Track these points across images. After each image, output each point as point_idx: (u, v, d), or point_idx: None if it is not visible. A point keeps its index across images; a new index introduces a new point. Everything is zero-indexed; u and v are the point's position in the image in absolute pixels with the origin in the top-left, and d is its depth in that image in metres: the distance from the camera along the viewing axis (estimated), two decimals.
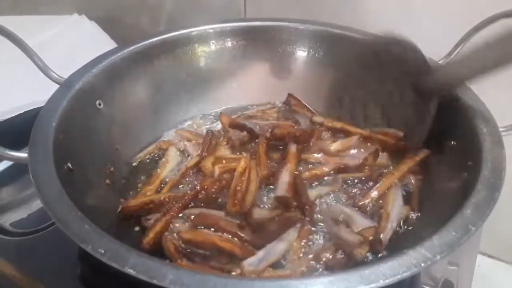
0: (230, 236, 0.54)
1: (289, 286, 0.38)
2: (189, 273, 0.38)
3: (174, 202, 0.58)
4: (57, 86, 0.63)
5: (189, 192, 0.60)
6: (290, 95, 0.79)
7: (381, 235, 0.55)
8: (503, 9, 0.63)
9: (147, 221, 0.58)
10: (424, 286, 0.53)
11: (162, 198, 0.60)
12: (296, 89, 0.81)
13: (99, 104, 0.67)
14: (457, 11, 0.75)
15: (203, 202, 0.60)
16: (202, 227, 0.56)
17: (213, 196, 0.60)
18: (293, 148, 0.64)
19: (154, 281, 0.37)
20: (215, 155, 0.66)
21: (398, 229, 0.57)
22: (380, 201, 0.60)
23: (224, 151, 0.68)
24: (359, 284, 0.37)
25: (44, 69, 0.64)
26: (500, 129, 0.56)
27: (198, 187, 0.60)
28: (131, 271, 0.38)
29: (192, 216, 0.58)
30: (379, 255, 0.53)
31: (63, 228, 0.43)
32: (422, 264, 0.39)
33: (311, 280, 0.38)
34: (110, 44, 0.99)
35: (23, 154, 0.52)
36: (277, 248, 0.52)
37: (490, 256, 0.91)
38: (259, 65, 0.82)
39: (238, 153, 0.68)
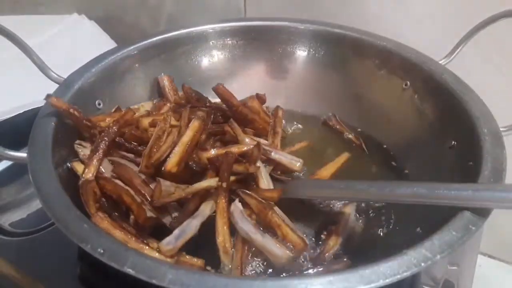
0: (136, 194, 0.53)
1: (289, 286, 0.37)
2: (188, 273, 0.38)
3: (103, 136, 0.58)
4: (57, 86, 0.63)
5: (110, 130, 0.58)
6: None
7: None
8: (503, 9, 0.63)
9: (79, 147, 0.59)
10: (424, 287, 0.53)
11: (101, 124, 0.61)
12: (296, 89, 0.81)
13: (99, 104, 0.67)
14: (457, 11, 0.75)
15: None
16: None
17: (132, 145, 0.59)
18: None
19: (153, 281, 0.37)
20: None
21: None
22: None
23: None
24: (359, 284, 0.37)
25: (44, 69, 0.64)
26: (500, 129, 0.56)
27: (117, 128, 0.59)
28: (130, 271, 0.38)
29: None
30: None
31: (62, 228, 0.43)
32: (422, 264, 0.39)
33: (311, 280, 0.38)
34: (110, 44, 0.99)
35: (22, 154, 0.52)
36: (191, 225, 0.50)
37: (490, 256, 0.91)
38: (259, 65, 0.82)
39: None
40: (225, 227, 0.52)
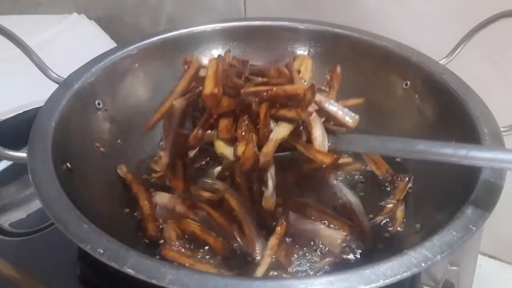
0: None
1: (289, 286, 0.37)
2: (188, 273, 0.38)
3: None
4: (56, 86, 0.63)
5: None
6: None
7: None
8: (503, 9, 0.63)
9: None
10: (424, 287, 0.53)
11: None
12: None
13: (99, 104, 0.66)
14: (457, 11, 0.75)
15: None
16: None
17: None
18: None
19: (153, 281, 0.37)
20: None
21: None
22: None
23: None
24: (359, 284, 0.37)
25: (43, 69, 0.64)
26: (501, 129, 0.56)
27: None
28: (130, 271, 0.38)
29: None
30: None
31: (62, 228, 0.43)
32: (423, 264, 0.39)
33: (311, 280, 0.38)
34: (110, 44, 0.99)
35: (22, 154, 0.52)
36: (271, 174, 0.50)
37: (491, 257, 0.91)
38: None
39: None
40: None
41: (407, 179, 0.65)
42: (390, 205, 0.62)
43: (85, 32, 1.04)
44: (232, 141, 0.50)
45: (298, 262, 0.55)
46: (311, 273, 0.53)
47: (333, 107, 0.54)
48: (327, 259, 0.54)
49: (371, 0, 0.82)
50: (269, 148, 0.48)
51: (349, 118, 0.55)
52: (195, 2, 0.99)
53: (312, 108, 0.52)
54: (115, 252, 0.40)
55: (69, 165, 0.55)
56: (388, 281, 0.38)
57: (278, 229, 0.55)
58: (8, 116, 0.78)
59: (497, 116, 0.57)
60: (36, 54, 0.64)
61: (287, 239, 0.56)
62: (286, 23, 0.80)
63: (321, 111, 0.54)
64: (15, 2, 1.16)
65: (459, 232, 0.43)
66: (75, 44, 0.99)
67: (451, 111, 0.62)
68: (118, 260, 0.39)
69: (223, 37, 0.80)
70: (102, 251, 0.40)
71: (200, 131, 0.52)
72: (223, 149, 0.50)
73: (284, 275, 0.52)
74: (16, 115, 0.78)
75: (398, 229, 0.59)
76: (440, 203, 0.56)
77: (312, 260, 0.55)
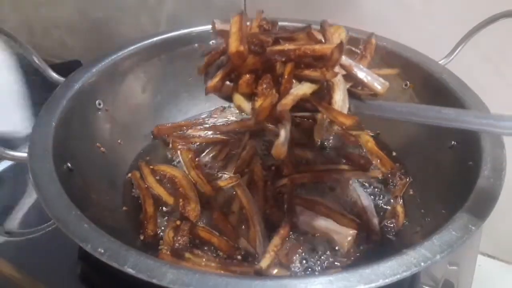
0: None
1: (289, 286, 0.38)
2: (189, 272, 0.38)
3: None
4: (17, 113, 0.63)
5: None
6: None
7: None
8: (503, 9, 0.63)
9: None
10: (424, 287, 0.53)
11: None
12: None
13: (99, 104, 0.67)
14: (457, 11, 0.75)
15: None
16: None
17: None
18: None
19: (154, 281, 0.37)
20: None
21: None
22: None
23: None
24: (359, 284, 0.37)
25: (44, 69, 0.65)
26: None
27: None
28: (130, 271, 0.38)
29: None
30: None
31: (63, 228, 0.43)
32: (422, 264, 0.39)
33: (311, 280, 0.38)
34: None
35: (22, 154, 0.52)
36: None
37: (490, 256, 0.91)
38: None
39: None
40: None
41: (407, 178, 0.66)
42: (391, 207, 0.62)
43: None
44: (251, 97, 0.49)
45: (300, 261, 0.55)
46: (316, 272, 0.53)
47: (362, 72, 0.51)
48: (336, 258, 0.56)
49: (371, 0, 0.82)
50: (287, 100, 0.47)
51: (378, 84, 0.51)
52: (195, 2, 0.99)
53: (339, 70, 0.49)
54: (116, 251, 0.40)
55: (69, 165, 0.55)
56: (387, 281, 0.38)
57: (282, 229, 0.56)
58: None
59: None
60: (36, 55, 0.65)
61: (292, 239, 0.57)
62: (286, 23, 0.80)
63: (349, 77, 0.51)
64: (16, 3, 1.16)
65: (459, 232, 0.43)
66: None
67: None
68: (119, 260, 0.39)
69: (223, 37, 0.80)
70: (102, 250, 0.40)
71: (219, 81, 0.51)
72: (241, 102, 0.49)
73: (285, 274, 0.53)
74: None
75: (401, 225, 0.60)
76: (440, 203, 0.56)
77: (316, 259, 0.55)
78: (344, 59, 0.50)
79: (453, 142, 0.60)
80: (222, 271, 0.51)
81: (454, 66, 0.67)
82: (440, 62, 0.68)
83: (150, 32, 0.78)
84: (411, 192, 0.64)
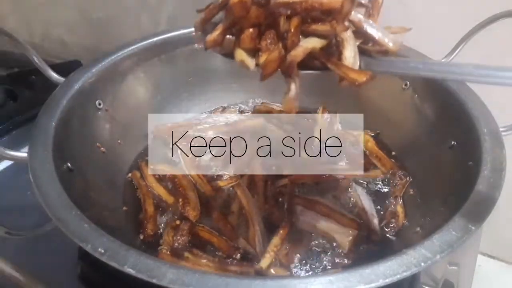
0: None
1: (289, 286, 0.38)
2: (188, 272, 0.38)
3: None
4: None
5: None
6: None
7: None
8: (503, 9, 0.63)
9: None
10: (424, 286, 0.53)
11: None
12: None
13: (99, 104, 0.67)
14: (457, 11, 0.75)
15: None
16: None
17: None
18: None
19: (154, 280, 0.37)
20: None
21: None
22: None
23: None
24: (359, 284, 0.37)
25: (44, 69, 0.65)
26: (500, 129, 0.56)
27: None
28: (130, 271, 0.38)
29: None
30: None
31: (63, 228, 0.43)
32: (422, 264, 0.39)
33: (311, 280, 0.38)
34: None
35: (22, 154, 0.52)
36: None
37: (490, 256, 0.91)
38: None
39: None
40: None
41: (407, 178, 0.66)
42: (391, 207, 0.62)
43: None
44: (253, 54, 0.46)
45: (300, 261, 0.55)
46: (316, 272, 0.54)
47: (373, 29, 0.48)
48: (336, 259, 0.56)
49: None
50: (297, 51, 0.44)
51: (389, 40, 0.48)
52: (195, 2, 0.98)
53: (348, 24, 0.46)
54: (116, 251, 0.40)
55: (69, 165, 0.55)
56: (387, 281, 0.38)
57: (281, 229, 0.56)
58: None
59: (497, 116, 0.57)
60: (36, 55, 0.65)
61: (292, 239, 0.57)
62: None
63: (359, 33, 0.48)
64: (16, 3, 1.16)
65: (459, 232, 0.43)
66: None
67: (451, 111, 0.62)
68: (119, 260, 0.39)
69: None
70: (102, 250, 0.40)
71: (219, 34, 0.47)
72: (244, 57, 0.46)
73: (285, 274, 0.53)
74: None
75: (401, 225, 0.60)
76: (440, 203, 0.56)
77: (315, 259, 0.55)
78: (353, 15, 0.47)
79: (453, 142, 0.60)
80: (222, 271, 0.51)
81: None
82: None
83: (150, 32, 0.78)
84: (411, 192, 0.64)
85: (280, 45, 0.45)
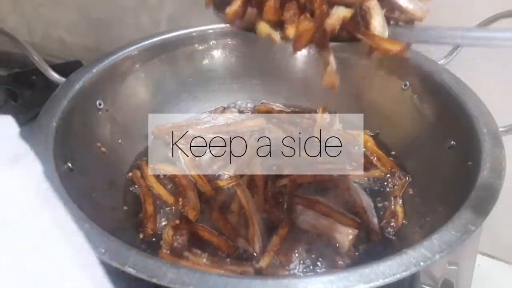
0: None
1: (289, 286, 0.38)
2: (189, 272, 0.38)
3: None
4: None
5: None
6: None
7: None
8: (503, 9, 0.63)
9: None
10: (424, 286, 0.53)
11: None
12: (296, 89, 0.81)
13: (100, 104, 0.67)
14: (457, 11, 0.75)
15: None
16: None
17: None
18: None
19: (154, 280, 0.37)
20: None
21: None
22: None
23: None
24: (358, 283, 0.37)
25: (44, 69, 0.65)
26: (500, 129, 0.56)
27: None
28: (131, 270, 0.38)
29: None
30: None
31: None
32: (422, 264, 0.39)
33: (311, 279, 0.38)
34: None
35: None
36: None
37: (490, 256, 0.91)
38: (259, 65, 0.82)
39: None
40: None
41: (407, 177, 0.66)
42: (390, 206, 0.62)
43: None
44: (275, 27, 0.44)
45: (300, 261, 0.55)
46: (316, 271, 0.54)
47: None
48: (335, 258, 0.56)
49: None
50: (333, 19, 0.41)
51: (416, 8, 0.45)
52: (195, 2, 0.99)
53: None
54: (116, 251, 0.40)
55: (70, 164, 0.55)
56: (387, 280, 0.38)
57: (281, 229, 0.56)
58: None
59: (496, 116, 0.58)
60: (37, 54, 0.65)
61: (292, 238, 0.57)
62: None
63: (384, 1, 0.45)
64: (16, 3, 1.16)
65: (458, 232, 0.43)
66: None
67: (450, 111, 0.62)
68: (119, 259, 0.39)
69: (223, 38, 0.80)
70: (103, 250, 0.40)
71: (240, 6, 0.44)
72: (270, 31, 0.44)
73: (285, 274, 0.53)
74: None
75: (401, 225, 0.60)
76: (439, 203, 0.56)
77: (315, 259, 0.55)
78: None
79: (452, 142, 0.60)
80: (221, 271, 0.51)
81: (454, 66, 0.67)
82: (440, 62, 0.69)
83: (150, 32, 0.78)
84: (411, 192, 0.64)
85: (308, 15, 0.42)
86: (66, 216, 0.24)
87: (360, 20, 0.43)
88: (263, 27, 0.44)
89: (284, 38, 0.43)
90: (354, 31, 0.42)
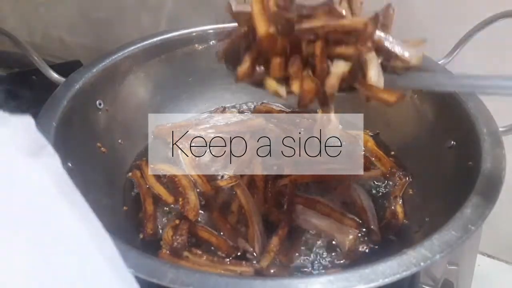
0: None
1: (289, 286, 0.38)
2: (189, 272, 0.38)
3: None
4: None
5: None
6: None
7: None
8: (503, 9, 0.63)
9: None
10: (424, 286, 0.53)
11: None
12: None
13: (99, 104, 0.67)
14: (457, 11, 0.75)
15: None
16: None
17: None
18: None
19: (154, 280, 0.37)
20: None
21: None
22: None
23: None
24: (358, 284, 0.37)
25: (44, 69, 0.65)
26: (500, 129, 0.56)
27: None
28: (131, 270, 0.38)
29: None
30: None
31: None
32: (422, 264, 0.39)
33: (311, 279, 0.38)
34: None
35: None
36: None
37: (489, 256, 0.91)
38: None
39: None
40: None
41: (407, 177, 0.66)
42: (390, 206, 0.62)
43: None
44: (282, 81, 0.46)
45: (300, 261, 0.55)
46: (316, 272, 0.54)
47: (394, 44, 0.48)
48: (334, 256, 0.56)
49: (370, 0, 0.82)
50: (332, 80, 0.44)
51: (411, 55, 0.47)
52: (195, 2, 0.99)
53: (372, 45, 0.46)
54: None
55: (70, 164, 0.55)
56: (387, 280, 0.38)
57: (281, 229, 0.56)
58: None
59: (496, 116, 0.58)
60: (37, 54, 0.65)
61: (292, 238, 0.57)
62: None
63: (380, 50, 0.47)
64: (16, 3, 1.16)
65: (458, 232, 0.43)
66: None
67: (450, 111, 0.62)
68: None
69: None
70: None
71: (249, 67, 0.47)
72: (277, 87, 0.46)
73: (285, 274, 0.53)
74: None
75: (401, 225, 0.60)
76: (439, 203, 0.56)
77: (315, 259, 0.55)
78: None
79: (452, 142, 0.60)
80: (221, 271, 0.51)
81: (454, 66, 0.67)
82: (440, 62, 0.69)
83: (150, 32, 0.78)
84: (411, 192, 0.64)
85: (310, 72, 0.45)
86: (86, 206, 0.25)
87: (358, 71, 0.45)
88: (271, 84, 0.47)
89: (290, 93, 0.46)
90: (352, 82, 0.44)
